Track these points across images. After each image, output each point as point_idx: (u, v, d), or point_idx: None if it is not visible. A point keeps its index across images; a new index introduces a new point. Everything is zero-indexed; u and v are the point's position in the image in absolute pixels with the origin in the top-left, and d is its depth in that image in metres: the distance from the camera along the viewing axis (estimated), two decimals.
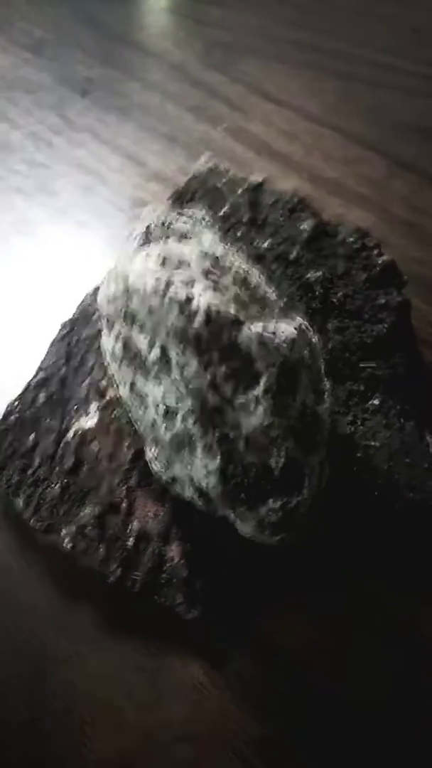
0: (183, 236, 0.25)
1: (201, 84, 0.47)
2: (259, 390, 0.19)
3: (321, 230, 0.34)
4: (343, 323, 0.31)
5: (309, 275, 0.32)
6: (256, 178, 0.36)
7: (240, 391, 0.19)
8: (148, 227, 0.26)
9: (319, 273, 0.32)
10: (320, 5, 0.54)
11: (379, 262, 0.33)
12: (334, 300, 0.32)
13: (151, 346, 0.20)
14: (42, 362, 0.30)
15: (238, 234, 0.34)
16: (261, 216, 0.35)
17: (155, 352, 0.20)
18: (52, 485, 0.26)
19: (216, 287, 0.20)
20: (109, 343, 0.22)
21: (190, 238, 0.25)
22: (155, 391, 0.22)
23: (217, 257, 0.22)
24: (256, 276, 0.25)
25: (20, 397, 0.29)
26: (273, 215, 0.35)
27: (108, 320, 0.22)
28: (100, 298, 0.21)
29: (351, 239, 0.34)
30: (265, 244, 0.33)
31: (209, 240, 0.25)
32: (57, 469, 0.26)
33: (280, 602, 0.25)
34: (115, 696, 0.23)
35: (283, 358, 0.20)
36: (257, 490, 0.21)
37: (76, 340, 0.30)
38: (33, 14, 0.53)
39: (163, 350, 0.20)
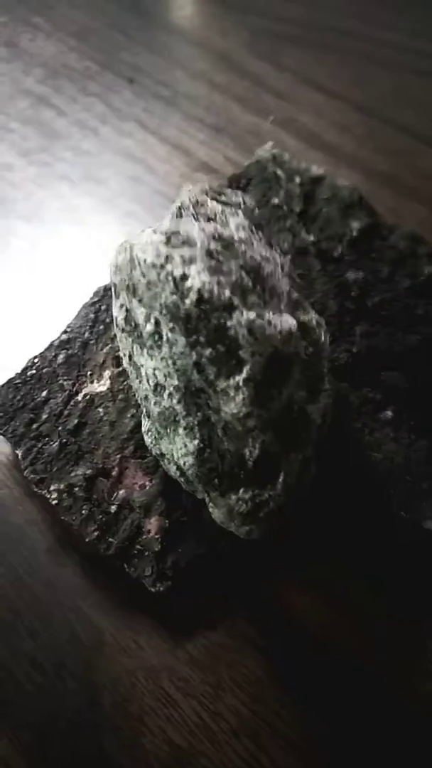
0: (211, 218, 0.26)
1: (248, 74, 0.45)
2: (240, 377, 0.19)
3: (372, 231, 0.34)
4: (374, 328, 0.30)
5: (348, 275, 0.32)
6: (317, 170, 0.36)
7: (223, 375, 0.19)
8: (180, 206, 0.26)
9: (360, 274, 0.32)
10: None
11: (426, 271, 0.32)
12: (369, 303, 0.31)
13: (146, 319, 0.21)
14: (69, 324, 0.31)
15: (287, 224, 0.34)
16: (314, 209, 0.34)
17: (150, 326, 0.21)
18: (52, 442, 0.27)
19: (216, 269, 0.20)
20: (115, 311, 0.23)
21: (218, 220, 0.26)
22: (148, 364, 0.22)
23: (231, 242, 0.22)
24: (277, 266, 0.24)
25: (42, 354, 0.30)
26: (327, 210, 0.34)
27: (115, 289, 0.22)
28: (110, 266, 0.22)
29: (402, 244, 0.33)
30: (311, 238, 0.33)
31: (235, 224, 0.25)
32: (60, 427, 0.28)
33: (249, 590, 0.25)
34: (170, 688, 0.23)
35: (273, 349, 0.20)
36: (230, 477, 0.21)
37: (105, 308, 0.31)
38: (77, 0, 0.51)
39: (157, 325, 0.20)
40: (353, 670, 0.23)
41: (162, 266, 0.19)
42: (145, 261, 0.20)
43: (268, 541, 0.23)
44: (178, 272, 0.19)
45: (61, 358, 0.29)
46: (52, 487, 0.26)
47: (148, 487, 0.26)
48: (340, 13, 0.49)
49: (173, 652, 0.24)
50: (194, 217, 0.25)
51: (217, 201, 0.27)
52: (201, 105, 0.43)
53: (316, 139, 0.41)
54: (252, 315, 0.19)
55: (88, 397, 0.28)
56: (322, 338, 0.24)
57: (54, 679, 0.23)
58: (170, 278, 0.19)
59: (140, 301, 0.21)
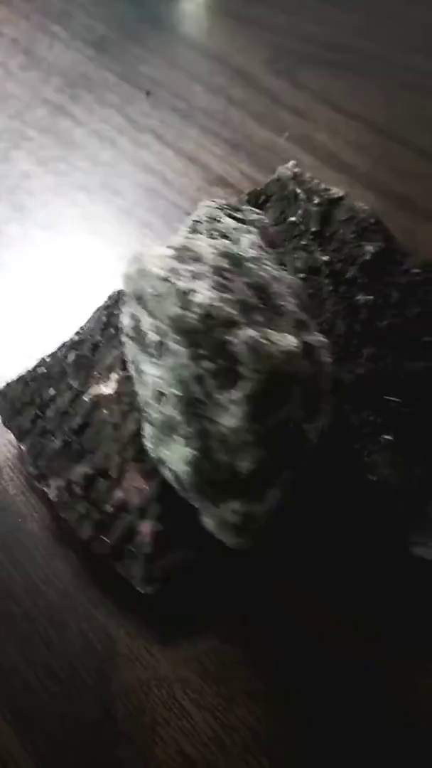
0: (224, 235, 0.26)
1: (265, 90, 0.45)
2: (239, 393, 0.20)
3: (387, 256, 0.34)
4: (381, 352, 0.30)
5: (359, 297, 0.32)
6: (336, 191, 0.36)
7: (222, 389, 0.20)
8: (196, 221, 0.27)
9: (370, 297, 0.32)
10: (389, 16, 0.50)
11: None
12: (378, 327, 0.31)
13: (153, 329, 0.21)
14: (82, 326, 0.32)
15: (302, 242, 0.35)
16: (330, 229, 0.35)
17: (155, 336, 0.21)
18: (56, 439, 0.28)
19: (223, 286, 0.20)
20: (124, 319, 0.24)
21: (231, 237, 0.26)
22: (151, 372, 0.22)
23: (241, 259, 0.23)
24: (285, 286, 0.25)
25: (53, 354, 0.30)
26: (343, 231, 0.35)
27: (126, 298, 0.23)
28: (122, 276, 0.23)
29: (415, 271, 0.34)
30: (325, 258, 0.33)
31: (247, 242, 0.26)
32: (65, 425, 0.28)
33: (255, 601, 0.25)
34: (184, 699, 0.23)
35: (273, 367, 0.20)
36: (223, 488, 0.22)
37: (117, 312, 0.32)
38: (96, 10, 0.51)
39: (162, 335, 0.21)
40: (367, 684, 0.23)
41: (170, 280, 0.20)
42: (153, 273, 0.20)
43: (259, 551, 0.24)
44: (185, 287, 0.19)
45: (71, 358, 0.30)
46: (51, 483, 0.26)
47: (145, 491, 0.26)
48: (360, 33, 0.49)
49: (186, 663, 0.24)
50: (208, 234, 0.26)
51: (233, 218, 0.27)
52: (218, 120, 0.44)
53: (332, 158, 0.41)
54: (254, 333, 0.20)
55: (94, 399, 0.29)
56: (324, 359, 0.24)
57: (69, 688, 0.23)
58: (177, 292, 0.20)
59: (148, 311, 0.21)
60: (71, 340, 0.31)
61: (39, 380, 0.29)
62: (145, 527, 0.25)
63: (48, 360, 0.30)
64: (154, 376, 0.22)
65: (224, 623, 0.24)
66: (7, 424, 0.28)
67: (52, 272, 0.36)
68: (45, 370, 0.30)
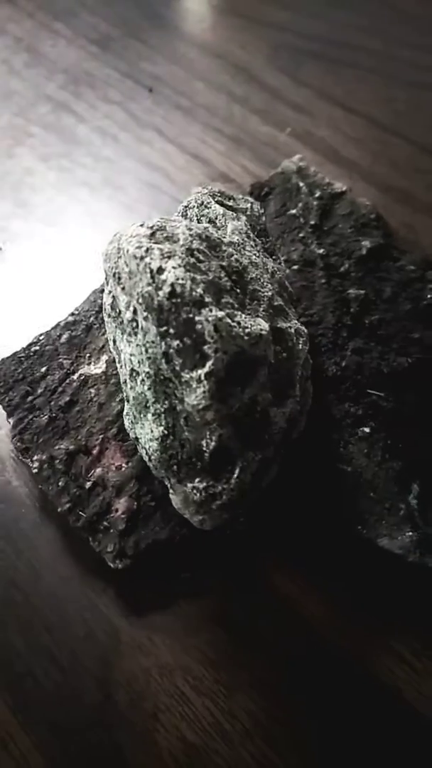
0: (212, 220, 0.27)
1: (267, 87, 0.45)
2: (202, 371, 0.20)
3: (383, 251, 0.34)
4: (367, 346, 0.30)
5: (350, 291, 0.32)
6: (339, 186, 0.36)
7: (187, 367, 0.20)
8: (186, 206, 0.28)
9: (362, 292, 0.32)
10: (391, 12, 0.49)
11: (430, 297, 0.32)
12: (367, 321, 0.31)
13: (127, 306, 0.22)
14: (77, 307, 0.32)
15: (300, 235, 0.35)
16: (329, 223, 0.35)
17: (129, 313, 0.22)
18: (43, 415, 0.28)
19: (194, 267, 0.21)
20: (104, 297, 0.24)
21: (217, 223, 0.27)
22: (126, 350, 0.23)
23: (219, 243, 0.23)
24: (265, 273, 0.25)
25: (47, 333, 0.31)
26: (342, 225, 0.35)
27: (106, 276, 0.24)
28: (102, 254, 0.23)
29: (411, 268, 0.33)
30: (320, 251, 0.34)
31: (232, 228, 0.26)
32: (52, 402, 0.29)
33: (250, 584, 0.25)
34: (184, 686, 0.23)
35: (239, 348, 0.21)
36: (188, 466, 0.22)
37: None
38: (98, 7, 0.51)
39: (135, 313, 0.21)
40: (366, 669, 0.23)
41: (142, 258, 0.20)
42: (128, 251, 0.21)
43: (229, 532, 0.24)
44: (155, 265, 0.20)
45: (64, 338, 0.31)
46: (35, 457, 0.27)
47: (123, 469, 0.27)
48: (361, 30, 0.48)
49: (187, 650, 0.24)
50: (197, 219, 0.26)
51: (223, 205, 0.28)
52: (220, 116, 0.43)
53: (333, 153, 0.41)
54: (221, 314, 0.20)
55: (82, 378, 0.29)
56: (299, 346, 0.24)
57: (70, 675, 0.24)
58: (148, 270, 0.20)
59: (123, 288, 0.22)
60: (66, 320, 0.31)
61: (32, 358, 0.30)
62: (120, 504, 0.26)
63: (42, 338, 0.31)
64: (128, 354, 0.23)
65: (226, 611, 0.24)
66: None
67: (53, 263, 0.36)
68: (38, 348, 0.30)
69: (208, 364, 0.20)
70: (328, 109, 0.43)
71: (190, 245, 0.21)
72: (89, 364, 0.30)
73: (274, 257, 0.29)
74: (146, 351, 0.21)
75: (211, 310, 0.20)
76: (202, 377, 0.20)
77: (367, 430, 0.27)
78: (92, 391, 0.29)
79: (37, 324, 0.32)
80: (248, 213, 0.28)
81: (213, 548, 0.25)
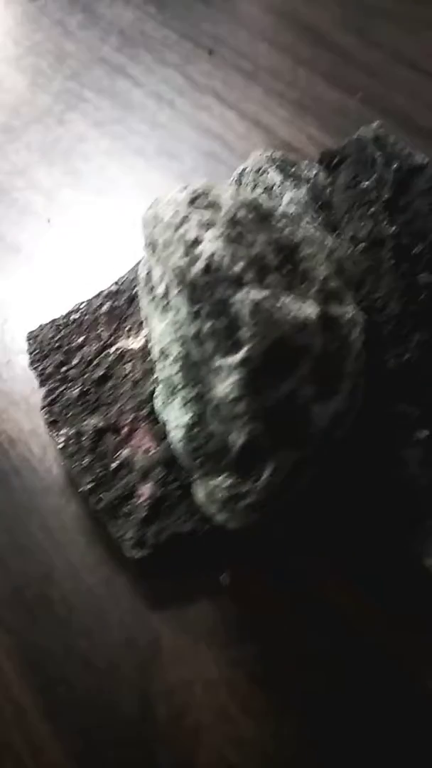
0: (269, 188, 0.24)
1: (335, 48, 0.41)
2: (235, 358, 0.18)
3: None
4: None
5: (421, 276, 0.29)
6: (422, 158, 0.32)
7: (219, 352, 0.18)
8: (242, 171, 0.25)
9: None
10: None
11: None
12: None
13: (160, 280, 0.19)
14: (121, 277, 0.31)
15: (370, 211, 0.31)
16: (405, 199, 0.31)
17: (161, 288, 0.19)
18: (75, 387, 0.27)
19: (236, 239, 0.18)
20: (140, 268, 0.22)
21: (273, 191, 0.24)
22: (158, 327, 0.21)
23: (270, 214, 0.21)
24: (321, 250, 0.22)
25: (89, 301, 0.29)
26: (419, 202, 0.31)
27: (144, 245, 0.22)
28: (141, 220, 0.21)
29: None
30: (392, 230, 0.30)
31: (289, 197, 0.23)
32: (86, 375, 0.27)
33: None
34: (229, 705, 0.21)
35: (279, 335, 0.18)
36: (213, 460, 0.20)
37: None
38: None
39: (167, 288, 0.19)
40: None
41: (177, 226, 0.18)
42: (163, 219, 0.18)
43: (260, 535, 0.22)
44: (191, 235, 0.18)
45: (105, 308, 0.29)
46: (62, 431, 0.26)
47: (152, 452, 0.25)
48: None
49: (234, 665, 0.22)
50: (252, 186, 0.24)
51: (283, 172, 0.25)
52: (284, 80, 0.39)
53: (408, 122, 0.36)
54: (261, 295, 0.18)
55: (119, 352, 0.28)
56: (353, 336, 0.21)
57: (107, 682, 0.22)
58: (183, 240, 0.18)
59: (157, 260, 0.20)
60: (108, 289, 0.30)
61: (70, 326, 0.29)
62: (145, 489, 0.24)
63: (83, 306, 0.29)
64: (159, 332, 0.21)
65: (273, 623, 0.22)
66: (33, 366, 0.28)
67: (101, 234, 0.35)
68: (77, 317, 0.29)
69: (243, 350, 0.17)
70: (403, 73, 0.39)
71: (234, 215, 0.18)
72: (128, 337, 0.28)
73: (337, 232, 0.26)
74: (177, 331, 0.19)
75: (249, 291, 0.17)
76: (235, 365, 0.17)
77: (426, 433, 0.24)
78: (128, 366, 0.27)
79: (81, 293, 0.30)
80: (312, 182, 0.25)
81: (247, 549, 0.23)
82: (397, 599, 0.22)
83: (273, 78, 0.40)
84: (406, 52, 0.40)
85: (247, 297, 0.17)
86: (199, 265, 0.17)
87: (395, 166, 0.32)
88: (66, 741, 0.21)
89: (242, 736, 0.20)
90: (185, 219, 0.18)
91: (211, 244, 0.17)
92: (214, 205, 0.18)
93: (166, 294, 0.19)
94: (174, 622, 0.23)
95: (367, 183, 0.32)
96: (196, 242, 0.17)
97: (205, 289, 0.17)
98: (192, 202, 0.18)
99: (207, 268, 0.17)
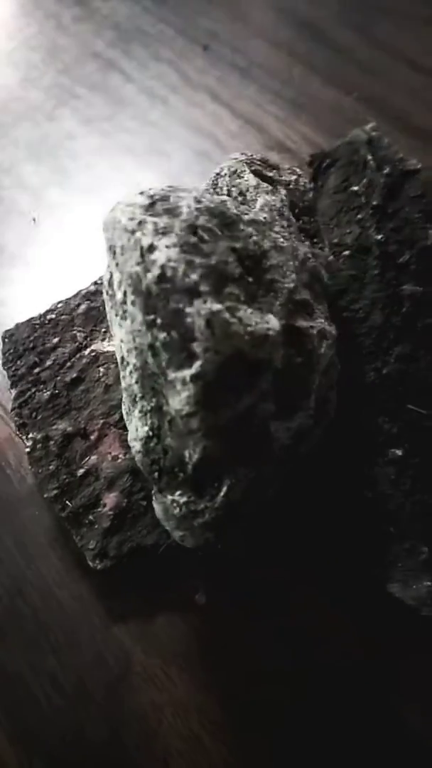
0: (242, 192, 0.23)
1: (333, 45, 0.39)
2: (188, 372, 0.17)
3: None
4: (416, 353, 0.26)
5: (406, 287, 0.28)
6: (414, 163, 0.31)
7: (173, 365, 0.17)
8: (218, 173, 0.24)
9: (419, 289, 0.27)
10: None
11: None
12: (420, 325, 0.27)
13: (119, 286, 0.19)
14: (101, 276, 0.30)
15: (358, 217, 0.30)
16: (394, 205, 0.30)
17: (120, 294, 0.19)
18: (46, 390, 0.26)
19: (194, 247, 0.17)
20: (104, 272, 0.22)
21: (247, 196, 0.23)
22: (118, 334, 0.20)
23: (234, 221, 0.20)
24: (292, 260, 0.21)
25: (66, 301, 0.29)
26: (409, 209, 0.30)
27: (106, 249, 0.21)
28: (102, 225, 0.20)
29: None
30: (379, 237, 0.29)
31: (262, 203, 0.22)
32: (59, 377, 0.27)
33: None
34: (200, 731, 0.20)
35: (236, 349, 0.17)
36: (169, 475, 0.19)
37: None
38: None
39: (125, 294, 0.19)
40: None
41: (133, 231, 0.17)
42: (121, 222, 0.18)
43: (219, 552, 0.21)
44: (146, 241, 0.17)
45: (82, 308, 0.28)
46: (30, 435, 0.25)
47: (120, 460, 0.24)
48: None
49: (206, 689, 0.21)
50: (227, 189, 0.23)
51: (260, 175, 0.24)
52: (279, 77, 0.38)
53: (405, 121, 0.35)
54: (217, 307, 0.17)
55: (93, 354, 0.27)
56: (321, 351, 0.20)
57: (75, 703, 0.21)
58: (138, 246, 0.17)
59: (116, 264, 0.19)
60: (87, 289, 0.29)
61: (46, 326, 0.28)
62: (110, 499, 0.24)
63: (60, 306, 0.29)
64: (119, 339, 0.20)
65: (246, 643, 0.22)
66: (6, 367, 0.27)
67: (86, 234, 0.34)
68: (54, 317, 0.28)
69: (196, 364, 0.17)
70: (401, 71, 0.37)
71: (193, 221, 0.17)
72: (103, 339, 0.27)
73: (315, 240, 0.25)
74: (134, 340, 0.18)
75: (205, 302, 0.16)
76: (188, 379, 0.17)
77: (399, 452, 0.23)
78: (101, 369, 0.26)
79: (63, 292, 0.30)
80: (291, 187, 0.24)
81: (212, 565, 0.23)
82: (361, 615, 0.21)
83: (268, 75, 0.39)
84: (405, 51, 0.38)
85: (202, 308, 0.16)
86: (154, 272, 0.16)
87: (387, 170, 0.30)
88: (29, 760, 0.20)
89: (212, 765, 0.20)
90: (141, 224, 0.17)
91: (166, 252, 0.16)
92: (172, 211, 0.17)
93: (124, 301, 0.18)
94: (144, 641, 0.22)
95: (356, 187, 0.31)
96: (151, 248, 0.16)
97: (159, 299, 0.16)
98: (150, 206, 0.17)
99: (161, 277, 0.16)
